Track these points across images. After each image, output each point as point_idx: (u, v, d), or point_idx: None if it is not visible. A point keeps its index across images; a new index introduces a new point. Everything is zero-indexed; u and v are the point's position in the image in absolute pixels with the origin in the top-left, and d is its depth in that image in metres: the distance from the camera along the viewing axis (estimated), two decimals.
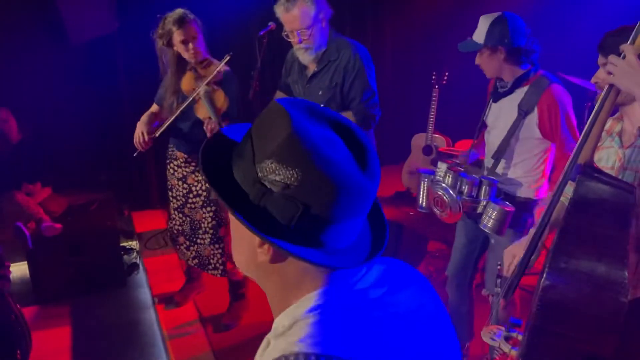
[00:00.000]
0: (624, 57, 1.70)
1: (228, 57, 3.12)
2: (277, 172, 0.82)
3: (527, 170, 2.70)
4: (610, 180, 1.79)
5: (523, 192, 2.72)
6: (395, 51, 6.01)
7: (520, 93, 2.65)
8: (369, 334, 0.84)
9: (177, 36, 3.09)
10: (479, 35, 2.61)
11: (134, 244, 4.89)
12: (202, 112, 3.13)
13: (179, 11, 3.10)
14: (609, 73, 1.73)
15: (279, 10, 2.86)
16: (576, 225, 1.75)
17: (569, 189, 1.92)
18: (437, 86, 4.96)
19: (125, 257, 4.68)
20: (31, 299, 4.33)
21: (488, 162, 2.79)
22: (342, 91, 2.95)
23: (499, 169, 2.73)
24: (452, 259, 3.01)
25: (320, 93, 2.97)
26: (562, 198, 2.00)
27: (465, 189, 2.60)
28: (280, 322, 0.89)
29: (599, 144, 2.11)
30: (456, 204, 2.57)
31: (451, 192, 2.59)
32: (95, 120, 5.02)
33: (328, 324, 0.83)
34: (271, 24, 3.95)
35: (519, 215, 2.62)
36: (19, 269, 4.58)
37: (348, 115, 2.95)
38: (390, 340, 0.85)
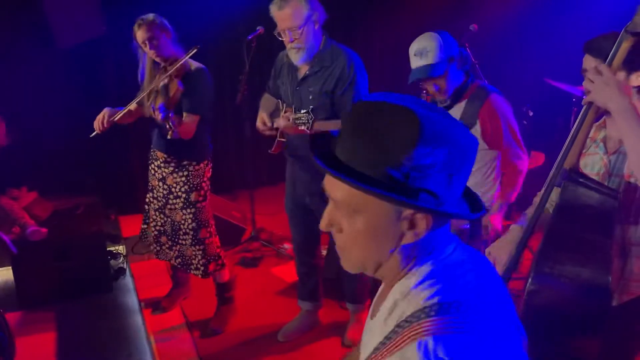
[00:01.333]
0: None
1: (195, 50, 3.18)
2: (426, 155, 0.93)
3: (479, 181, 2.73)
4: (595, 186, 1.80)
5: None
6: (383, 56, 6.03)
7: (459, 107, 2.66)
8: (472, 282, 0.99)
9: (139, 38, 3.20)
10: (430, 57, 2.55)
11: (120, 248, 4.85)
12: (159, 101, 3.18)
13: (142, 16, 3.22)
14: (587, 91, 1.76)
15: (273, 9, 2.86)
16: (561, 230, 1.76)
17: (555, 195, 1.94)
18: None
19: (112, 261, 4.64)
20: (15, 305, 4.27)
21: None
22: (333, 99, 2.95)
23: None
24: None
25: (310, 97, 2.97)
26: (547, 205, 2.01)
27: None
28: (404, 284, 1.03)
29: (583, 151, 2.12)
30: None
31: None
32: (81, 125, 4.95)
33: (444, 280, 0.99)
34: (260, 29, 3.96)
35: (474, 226, 2.64)
36: (3, 274, 4.53)
37: (338, 123, 2.94)
38: (485, 286, 1.00)
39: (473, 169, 2.61)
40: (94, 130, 3.28)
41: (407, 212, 0.98)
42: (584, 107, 1.82)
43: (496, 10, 5.06)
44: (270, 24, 2.98)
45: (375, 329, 1.08)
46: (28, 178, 4.88)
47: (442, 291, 0.96)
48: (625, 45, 1.71)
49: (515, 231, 2.07)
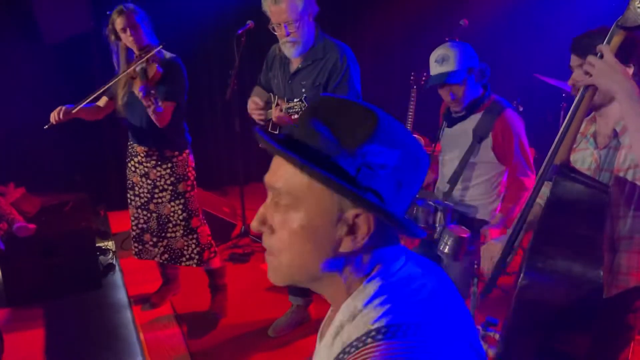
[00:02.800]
0: (601, 57, 1.71)
1: (162, 45, 3.26)
2: (379, 154, 0.90)
3: (483, 192, 2.76)
4: (586, 181, 1.80)
5: (480, 214, 2.77)
6: (374, 51, 6.02)
7: (474, 119, 2.69)
8: (425, 301, 0.93)
9: (118, 25, 3.21)
10: (450, 64, 2.58)
11: (110, 244, 4.82)
12: (137, 85, 3.20)
13: (121, 5, 3.25)
14: (587, 73, 1.75)
15: (267, 3, 2.84)
16: (552, 225, 1.77)
17: (545, 190, 1.94)
18: (415, 87, 4.97)
19: (101, 257, 4.61)
20: (3, 302, 4.24)
21: (443, 186, 2.83)
22: (326, 92, 2.94)
23: (455, 192, 2.77)
24: None
25: (302, 91, 2.96)
26: (538, 199, 2.02)
27: (421, 216, 2.63)
28: (351, 304, 0.95)
29: (574, 146, 2.13)
30: None
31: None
32: (70, 121, 4.94)
33: (395, 299, 0.92)
34: (249, 23, 3.94)
35: (474, 235, 2.65)
36: None
37: None
38: (439, 305, 0.94)
39: (478, 180, 2.67)
40: (50, 122, 3.30)
41: (349, 213, 0.92)
42: (575, 102, 1.82)
43: (487, 5, 5.07)
44: (260, 19, 2.96)
45: (322, 353, 1.00)
46: (15, 174, 4.83)
47: (391, 312, 0.90)
48: (616, 40, 1.71)
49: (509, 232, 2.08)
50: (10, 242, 4.23)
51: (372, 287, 0.94)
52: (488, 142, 2.65)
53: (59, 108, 3.26)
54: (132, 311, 3.86)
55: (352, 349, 0.89)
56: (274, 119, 2.89)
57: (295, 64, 3.00)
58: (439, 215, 2.61)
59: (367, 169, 0.89)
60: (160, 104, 3.11)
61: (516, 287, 1.73)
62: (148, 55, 3.19)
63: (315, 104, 0.95)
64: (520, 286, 1.70)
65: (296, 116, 2.71)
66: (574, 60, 2.03)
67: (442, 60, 2.59)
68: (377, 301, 0.92)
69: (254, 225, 0.98)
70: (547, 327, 1.75)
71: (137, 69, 3.21)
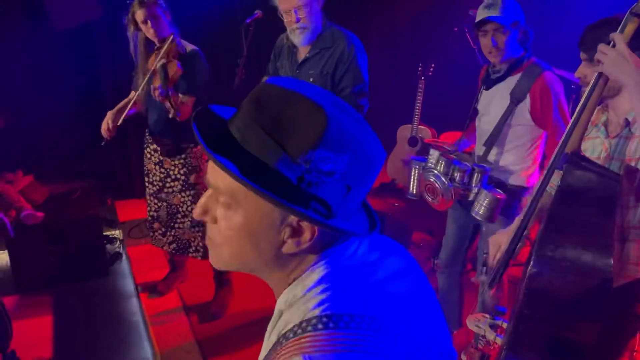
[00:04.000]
0: (613, 46, 1.70)
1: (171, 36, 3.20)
2: (326, 160, 0.83)
3: (519, 157, 2.71)
4: (597, 169, 1.80)
5: (514, 180, 2.73)
6: (381, 42, 6.00)
7: (512, 80, 2.65)
8: (376, 292, 0.87)
9: (139, 16, 3.18)
10: (498, 10, 2.54)
11: (117, 232, 4.84)
12: (156, 82, 3.17)
13: None
14: (599, 62, 1.74)
15: None
16: (563, 213, 1.76)
17: (556, 179, 1.93)
18: (423, 77, 4.96)
19: (109, 246, 4.63)
20: (12, 288, 4.27)
21: (479, 149, 2.80)
22: (333, 80, 2.94)
23: (491, 156, 2.74)
24: (443, 247, 3.03)
25: (311, 80, 2.95)
26: (548, 187, 2.01)
27: (457, 176, 2.60)
28: (290, 292, 0.91)
29: (585, 135, 2.12)
30: (448, 191, 2.58)
31: (443, 179, 2.59)
32: (78, 108, 4.96)
33: (340, 287, 0.86)
34: (257, 12, 3.92)
35: (510, 202, 2.64)
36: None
37: None
38: (394, 296, 0.89)
39: (513, 145, 2.65)
40: (103, 138, 3.35)
41: (292, 218, 0.86)
42: (587, 91, 1.81)
43: None
44: (268, 8, 2.96)
45: (264, 345, 0.95)
46: (24, 162, 4.85)
47: (333, 300, 0.84)
48: (630, 27, 1.70)
49: (518, 221, 2.07)
50: (18, 230, 4.25)
51: (314, 275, 0.89)
52: (526, 104, 2.60)
53: (106, 123, 3.32)
54: (139, 298, 3.88)
55: (291, 334, 0.84)
56: None
57: (302, 52, 2.99)
58: (476, 176, 2.58)
59: (311, 177, 0.83)
60: (181, 99, 3.08)
61: (525, 275, 1.73)
62: (165, 50, 3.12)
63: (259, 96, 0.87)
64: (530, 274, 1.70)
65: None
66: (582, 54, 2.02)
67: (490, 6, 2.55)
68: (318, 288, 0.87)
69: (196, 213, 0.94)
70: (555, 316, 1.75)
71: (158, 65, 3.16)
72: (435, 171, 2.63)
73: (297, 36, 2.92)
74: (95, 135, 5.25)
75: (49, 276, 4.28)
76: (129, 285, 4.17)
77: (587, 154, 2.09)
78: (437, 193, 2.60)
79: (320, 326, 0.81)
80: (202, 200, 0.93)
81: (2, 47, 4.61)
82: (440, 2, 5.30)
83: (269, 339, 0.91)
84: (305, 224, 0.87)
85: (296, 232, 0.88)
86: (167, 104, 3.00)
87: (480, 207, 2.54)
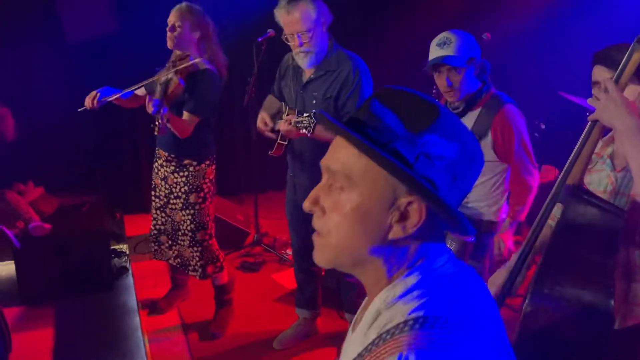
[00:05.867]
0: (606, 90, 1.65)
1: (198, 60, 3.16)
2: (438, 145, 0.91)
3: (486, 192, 2.63)
4: (600, 204, 1.72)
5: (484, 216, 2.64)
6: (396, 62, 5.95)
7: (472, 116, 2.56)
8: (464, 298, 0.93)
9: (169, 19, 3.19)
10: (451, 49, 2.45)
11: (124, 247, 4.83)
12: (156, 95, 3.15)
13: (187, 2, 3.23)
14: (593, 105, 1.68)
15: (280, 13, 2.82)
16: (562, 249, 1.69)
17: (557, 211, 1.86)
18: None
19: (116, 260, 4.62)
20: (17, 299, 4.27)
21: None
22: (337, 104, 2.90)
23: None
24: None
25: (314, 102, 2.92)
26: (549, 220, 1.93)
27: None
28: (390, 292, 0.96)
29: (589, 167, 2.05)
30: None
31: None
32: (90, 122, 4.98)
33: (435, 293, 0.92)
34: (270, 31, 3.92)
35: (480, 239, 2.57)
36: (6, 269, 4.54)
37: None
38: (481, 308, 0.94)
39: (479, 181, 2.55)
40: (84, 106, 3.25)
41: (402, 200, 0.93)
42: (585, 131, 1.75)
43: (511, 20, 4.97)
44: (281, 27, 2.93)
45: (356, 340, 1.00)
46: (35, 173, 4.88)
47: (429, 304, 0.90)
48: (636, 57, 1.64)
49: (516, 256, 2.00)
50: (26, 241, 4.26)
51: (412, 279, 0.95)
52: (488, 140, 2.51)
53: (94, 93, 3.22)
54: (139, 316, 3.84)
55: (388, 336, 0.89)
56: (282, 131, 2.84)
57: (307, 74, 2.96)
58: None
59: (425, 158, 0.91)
60: (168, 124, 3.01)
61: (521, 313, 1.65)
62: (177, 68, 3.10)
63: (378, 91, 0.97)
64: (525, 312, 1.63)
65: (304, 131, 2.66)
66: (599, 71, 1.94)
67: (443, 44, 2.47)
68: (415, 293, 0.93)
69: (306, 205, 0.99)
70: (554, 357, 1.66)
71: (163, 78, 3.15)
72: None
73: (301, 59, 2.90)
74: (109, 148, 5.32)
75: (54, 288, 4.26)
76: (132, 300, 4.14)
77: (592, 187, 2.01)
78: None
79: (417, 326, 0.87)
80: (313, 191, 0.99)
81: (17, 59, 4.67)
82: (454, 24, 5.25)
83: (367, 334, 0.95)
84: (413, 208, 0.93)
85: (403, 217, 0.93)
86: (156, 121, 2.95)
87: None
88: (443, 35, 2.50)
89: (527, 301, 1.63)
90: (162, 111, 2.91)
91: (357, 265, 0.99)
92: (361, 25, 5.70)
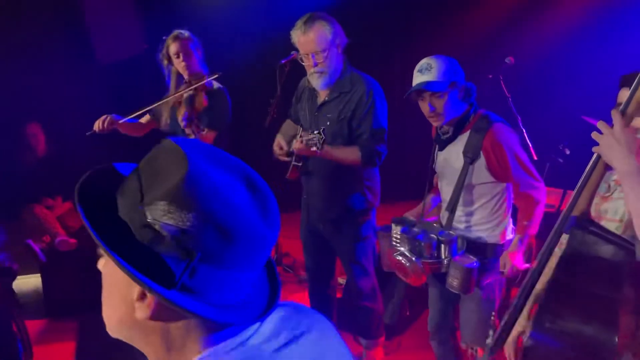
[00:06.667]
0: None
1: (217, 75, 3.34)
2: (170, 215, 0.75)
3: (487, 214, 2.56)
4: (606, 236, 1.67)
5: (488, 238, 2.57)
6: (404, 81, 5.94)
7: (463, 139, 2.51)
8: None
9: (171, 50, 3.34)
10: (432, 74, 2.42)
11: None
12: (181, 112, 3.31)
13: (178, 30, 3.38)
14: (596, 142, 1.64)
15: (296, 33, 2.85)
16: (565, 282, 1.64)
17: (563, 242, 1.81)
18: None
19: None
20: (42, 312, 4.36)
21: (443, 214, 2.64)
22: (350, 125, 2.90)
23: (458, 219, 2.58)
24: (430, 314, 2.85)
25: (328, 124, 2.93)
26: (556, 249, 1.87)
27: (425, 251, 2.46)
28: None
29: (606, 194, 1.99)
30: (417, 268, 2.44)
31: (410, 256, 2.46)
32: (119, 138, 5.09)
33: None
34: (294, 53, 3.95)
35: (486, 262, 2.50)
36: (33, 281, 4.63)
37: (354, 150, 2.88)
38: None
39: (482, 201, 2.53)
40: (92, 129, 3.39)
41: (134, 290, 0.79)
42: (591, 162, 1.70)
43: (534, 44, 4.91)
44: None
45: None
46: (65, 188, 4.99)
47: None
48: None
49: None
50: (52, 255, 4.36)
51: None
52: (481, 162, 2.46)
53: (104, 117, 3.36)
54: None
55: None
56: (295, 150, 2.86)
57: (322, 96, 2.98)
58: (443, 247, 2.44)
59: (152, 233, 0.76)
60: (204, 132, 3.19)
61: (522, 347, 1.60)
62: (198, 84, 3.27)
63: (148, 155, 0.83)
64: (526, 346, 1.58)
65: (314, 148, 2.66)
66: (625, 94, 1.88)
67: (424, 70, 2.44)
68: None
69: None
70: None
71: (185, 95, 3.30)
72: (402, 249, 2.50)
73: (315, 80, 2.91)
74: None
75: (78, 302, 4.32)
76: None
77: (608, 216, 1.96)
78: (407, 271, 2.47)
79: None
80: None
81: (49, 77, 4.82)
82: (477, 47, 5.23)
83: None
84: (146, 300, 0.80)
85: (142, 295, 0.80)
86: (189, 131, 3.15)
87: (454, 280, 2.39)
88: (424, 61, 2.48)
89: (528, 335, 1.58)
90: (193, 122, 3.07)
91: (135, 343, 0.87)
92: (386, 48, 5.71)
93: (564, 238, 1.83)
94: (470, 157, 2.46)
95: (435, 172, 2.76)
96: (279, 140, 3.07)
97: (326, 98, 2.95)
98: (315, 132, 2.67)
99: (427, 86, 2.41)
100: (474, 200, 2.56)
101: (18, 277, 4.40)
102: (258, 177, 0.84)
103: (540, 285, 1.82)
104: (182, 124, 3.18)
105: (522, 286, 1.84)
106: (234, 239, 0.77)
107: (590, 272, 1.63)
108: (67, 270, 4.38)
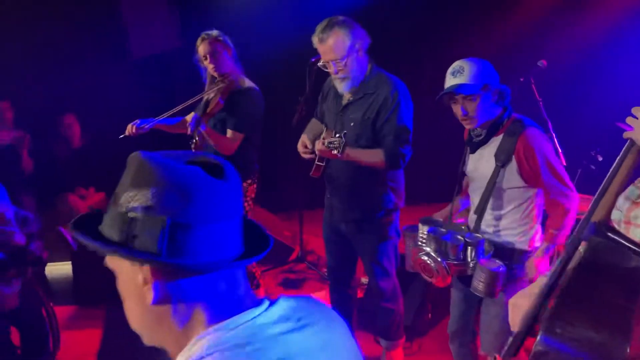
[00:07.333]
0: None
1: (235, 81, 3.32)
2: (135, 198, 0.87)
3: (516, 219, 2.52)
4: (626, 244, 1.62)
5: (516, 244, 2.53)
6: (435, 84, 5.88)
7: (495, 142, 2.48)
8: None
9: (200, 51, 3.33)
10: (464, 77, 2.39)
11: None
12: (199, 112, 3.32)
13: (206, 31, 3.36)
14: (630, 127, 1.59)
15: (315, 41, 2.85)
16: (580, 288, 1.60)
17: (582, 248, 1.77)
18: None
19: None
20: (71, 299, 4.48)
21: (472, 218, 2.61)
22: (375, 126, 2.89)
23: (485, 224, 2.55)
24: (451, 316, 2.81)
25: (352, 124, 2.92)
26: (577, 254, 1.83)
27: (451, 252, 2.43)
28: (185, 355, 0.90)
29: (638, 200, 1.94)
30: (443, 269, 2.41)
31: (436, 257, 2.43)
32: (152, 132, 5.19)
33: (231, 355, 0.85)
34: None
35: (513, 268, 2.46)
36: (63, 269, 4.76)
37: (377, 153, 2.87)
38: None
39: (512, 206, 2.49)
40: (124, 133, 3.47)
41: (141, 268, 0.91)
42: (619, 157, 1.65)
43: (567, 47, 4.80)
44: None
45: None
46: (98, 179, 5.11)
47: None
48: None
49: (541, 281, 1.91)
50: (83, 245, 4.45)
51: (198, 345, 0.89)
52: (513, 165, 2.42)
53: (134, 122, 3.40)
54: None
55: None
56: (317, 152, 2.86)
57: (346, 97, 2.97)
58: (470, 249, 2.41)
59: (131, 220, 0.88)
60: (228, 134, 3.20)
61: (531, 352, 1.58)
62: (218, 87, 3.25)
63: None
64: (535, 352, 1.55)
65: (335, 152, 2.66)
66: None
67: (456, 73, 2.41)
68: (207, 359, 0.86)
69: None
70: None
71: (204, 98, 3.30)
72: (427, 248, 2.47)
73: (339, 84, 2.92)
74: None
75: (105, 291, 4.38)
76: None
77: (639, 222, 1.91)
78: (432, 272, 2.44)
79: None
80: None
81: (85, 71, 4.94)
82: (508, 50, 5.13)
83: None
84: (144, 268, 0.90)
85: (146, 280, 0.91)
86: (194, 139, 3.12)
87: (479, 283, 2.35)
88: (456, 63, 2.46)
89: (537, 340, 1.55)
90: (200, 128, 3.04)
91: (155, 338, 0.98)
92: (416, 49, 5.66)
93: (582, 245, 1.80)
94: (501, 161, 2.43)
95: (465, 175, 2.72)
96: (304, 139, 3.08)
97: (350, 99, 2.94)
98: (337, 135, 2.67)
99: (458, 89, 2.39)
100: (503, 205, 2.52)
101: (50, 264, 4.54)
102: (212, 155, 0.97)
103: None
104: (188, 128, 3.13)
105: (537, 294, 1.81)
106: (191, 195, 0.88)
107: (606, 280, 1.59)
108: (97, 259, 4.38)
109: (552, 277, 1.78)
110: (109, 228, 0.91)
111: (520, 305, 1.93)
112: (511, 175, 2.45)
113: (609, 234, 1.65)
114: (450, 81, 2.44)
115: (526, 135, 2.40)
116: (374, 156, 2.86)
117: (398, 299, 3.20)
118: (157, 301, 0.91)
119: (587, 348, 1.51)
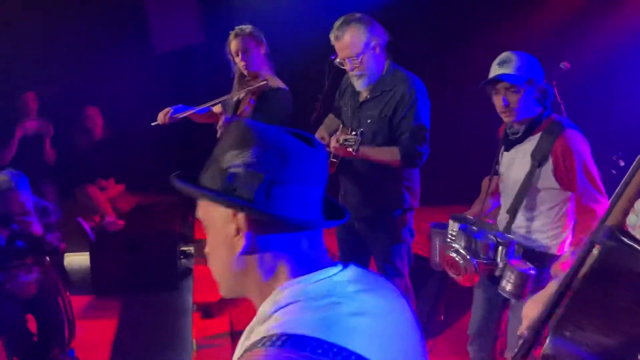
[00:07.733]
0: None
1: (263, 82, 3.23)
2: (239, 156, 0.96)
3: (547, 223, 2.47)
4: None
5: (545, 248, 2.48)
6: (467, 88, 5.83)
7: (533, 141, 2.43)
8: (333, 323, 0.90)
9: (232, 47, 3.27)
10: (510, 67, 2.36)
11: (192, 249, 5.01)
12: (229, 113, 3.33)
13: (240, 26, 3.29)
14: None
15: (332, 38, 2.84)
16: (592, 293, 1.57)
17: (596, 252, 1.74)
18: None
19: (184, 261, 4.79)
20: (88, 289, 4.54)
21: (503, 217, 2.56)
22: (392, 124, 2.86)
23: (516, 224, 2.49)
24: (472, 317, 2.76)
25: (368, 121, 2.90)
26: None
27: (481, 251, 2.39)
28: (263, 310, 0.96)
29: None
30: (472, 267, 2.36)
31: (465, 254, 2.38)
32: (174, 125, 5.23)
33: (301, 310, 0.91)
34: None
35: (543, 272, 2.40)
36: (81, 259, 4.83)
37: (393, 151, 2.84)
38: (355, 332, 0.91)
39: (545, 208, 2.45)
40: (156, 121, 3.39)
41: (228, 213, 0.97)
42: (637, 159, 1.61)
43: (591, 50, 4.72)
44: None
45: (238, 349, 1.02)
46: (119, 171, 5.17)
47: (292, 321, 0.89)
48: None
49: (553, 286, 1.88)
50: (101, 235, 4.52)
51: (282, 294, 0.95)
52: (548, 166, 2.37)
53: (167, 109, 3.33)
54: (192, 318, 3.96)
55: (244, 352, 0.90)
56: (332, 149, 2.85)
57: (363, 94, 2.95)
58: (501, 249, 2.36)
59: (231, 175, 0.96)
60: None
61: (540, 355, 1.55)
62: (249, 88, 3.20)
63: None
64: (544, 355, 1.53)
65: (350, 149, 2.65)
66: None
67: (502, 63, 2.38)
68: (284, 309, 0.93)
69: (206, 251, 1.07)
70: None
71: (235, 99, 3.26)
72: (457, 245, 2.43)
73: (356, 81, 2.91)
74: (190, 153, 5.54)
75: (122, 282, 4.48)
76: (189, 302, 4.28)
77: None
78: (460, 269, 2.40)
79: (268, 343, 0.86)
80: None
81: (108, 64, 5.00)
82: (531, 51, 5.07)
83: (239, 350, 0.96)
84: (239, 216, 0.97)
85: (238, 230, 0.98)
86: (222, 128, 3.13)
87: (507, 284, 2.30)
88: (504, 54, 2.43)
89: (546, 343, 1.53)
90: None
91: (240, 287, 1.03)
92: (439, 48, 5.62)
93: (596, 248, 1.77)
94: (538, 160, 2.39)
95: (497, 173, 2.69)
96: (321, 133, 3.07)
97: (367, 96, 2.92)
98: (353, 133, 2.65)
99: (503, 76, 2.36)
100: (536, 206, 2.48)
101: (68, 254, 4.61)
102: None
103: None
104: (220, 127, 3.14)
105: (549, 299, 1.78)
106: (288, 157, 0.96)
107: (619, 285, 1.56)
108: (114, 251, 4.54)
109: (564, 282, 1.76)
110: (209, 181, 0.98)
111: (528, 313, 1.91)
112: (546, 176, 2.40)
113: (623, 238, 1.62)
114: (495, 70, 2.41)
115: (565, 136, 2.36)
116: (389, 154, 2.84)
117: (410, 300, 3.18)
118: (247, 251, 0.97)
119: (597, 353, 1.49)
